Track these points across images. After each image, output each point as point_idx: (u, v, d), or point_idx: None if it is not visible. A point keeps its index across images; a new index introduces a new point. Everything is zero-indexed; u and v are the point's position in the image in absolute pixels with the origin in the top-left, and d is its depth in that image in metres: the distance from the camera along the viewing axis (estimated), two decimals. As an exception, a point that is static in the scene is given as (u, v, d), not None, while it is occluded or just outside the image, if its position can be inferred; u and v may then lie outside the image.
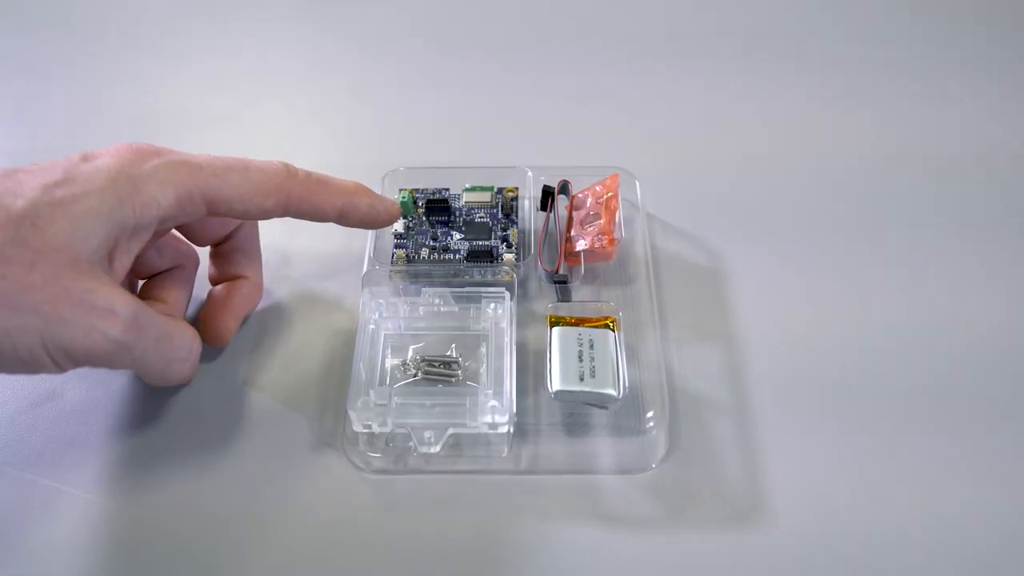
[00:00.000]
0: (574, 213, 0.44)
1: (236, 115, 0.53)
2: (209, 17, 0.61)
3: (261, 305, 0.42)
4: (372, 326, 0.38)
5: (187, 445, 0.36)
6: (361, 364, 0.36)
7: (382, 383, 0.37)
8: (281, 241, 0.45)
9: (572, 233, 0.43)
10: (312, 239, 0.45)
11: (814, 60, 0.57)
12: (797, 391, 0.38)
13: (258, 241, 0.40)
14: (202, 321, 0.38)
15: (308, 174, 0.35)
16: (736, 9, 0.61)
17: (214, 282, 0.40)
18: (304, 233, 0.45)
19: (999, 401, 0.38)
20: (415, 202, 0.44)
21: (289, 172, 0.34)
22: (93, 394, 0.38)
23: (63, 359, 0.29)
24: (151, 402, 0.38)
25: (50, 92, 0.55)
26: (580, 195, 0.44)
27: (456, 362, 0.37)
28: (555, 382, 0.35)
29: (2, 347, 0.27)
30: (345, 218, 0.36)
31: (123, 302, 0.29)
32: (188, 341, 0.34)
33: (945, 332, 0.40)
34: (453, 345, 0.38)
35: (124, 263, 0.31)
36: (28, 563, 0.33)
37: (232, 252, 0.39)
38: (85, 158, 0.31)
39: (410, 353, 0.38)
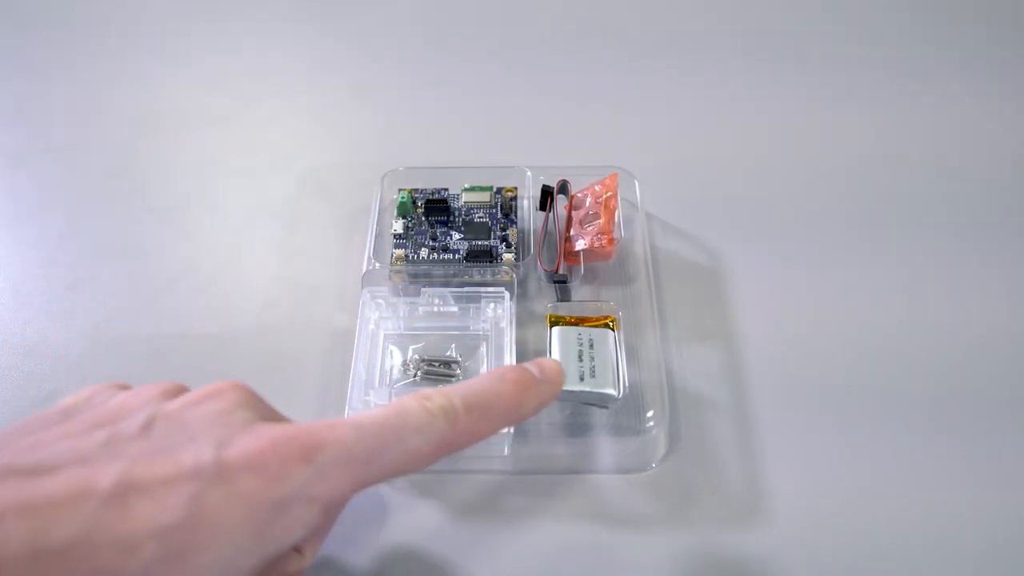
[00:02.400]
0: (573, 213, 0.44)
1: (236, 115, 0.53)
2: (209, 17, 0.61)
3: (263, 306, 0.42)
4: (372, 326, 0.38)
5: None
6: (361, 364, 0.36)
7: (382, 383, 0.37)
8: (281, 240, 0.45)
9: (571, 233, 0.43)
10: (312, 239, 0.45)
11: (814, 60, 0.57)
12: (797, 390, 0.38)
13: (336, 519, 0.30)
14: None
15: (469, 409, 0.28)
16: (736, 9, 0.61)
17: None
18: (303, 232, 0.45)
19: (999, 401, 0.38)
20: (414, 202, 0.45)
21: (448, 421, 0.27)
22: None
23: None
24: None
25: (50, 92, 0.55)
26: (579, 195, 0.44)
27: (456, 362, 0.37)
28: (555, 382, 0.35)
29: None
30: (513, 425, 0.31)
31: None
32: None
33: (945, 331, 0.40)
34: (453, 345, 0.38)
35: None
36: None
37: None
38: (221, 471, 0.23)
39: (409, 353, 0.38)
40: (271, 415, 0.27)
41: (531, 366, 0.30)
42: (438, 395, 0.28)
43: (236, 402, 0.26)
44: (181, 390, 0.28)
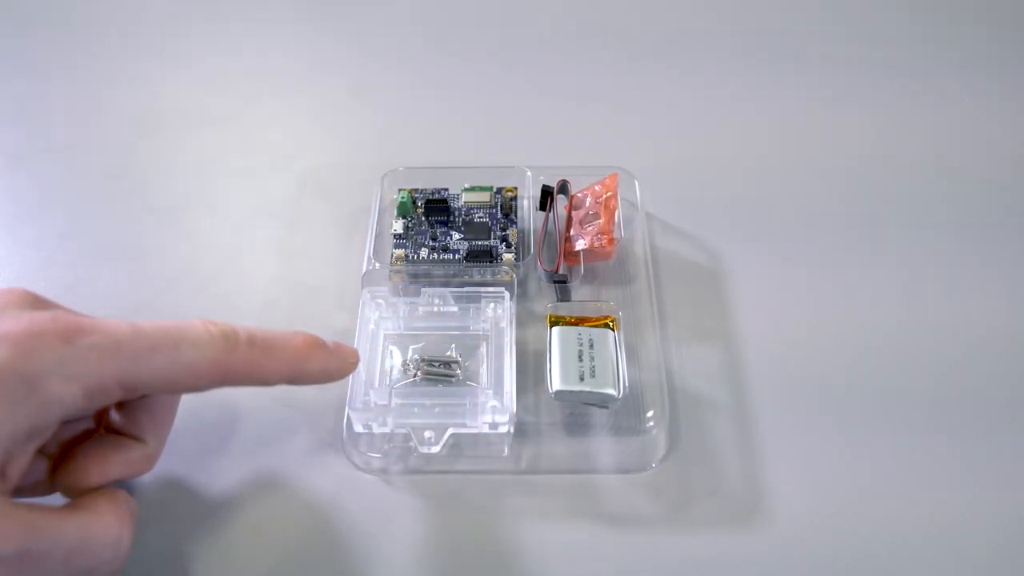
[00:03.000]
0: (573, 213, 0.44)
1: (236, 115, 0.53)
2: (209, 17, 0.61)
3: (263, 306, 0.42)
4: (372, 326, 0.38)
5: (185, 446, 0.36)
6: (361, 364, 0.36)
7: (382, 383, 0.37)
8: (281, 241, 0.45)
9: (571, 233, 0.43)
10: (312, 239, 0.45)
11: (814, 60, 0.57)
12: (797, 390, 0.38)
13: (175, 409, 0.33)
14: (63, 468, 0.29)
15: (251, 340, 0.29)
16: (736, 9, 0.61)
17: (100, 425, 0.32)
18: (303, 232, 0.45)
19: (1000, 401, 0.38)
20: (414, 202, 0.44)
21: (228, 343, 0.28)
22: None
23: None
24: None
25: (50, 92, 0.55)
26: (579, 195, 0.44)
27: (456, 362, 0.37)
28: (555, 382, 0.35)
29: None
30: (294, 384, 0.31)
31: (3, 534, 0.24)
32: (112, 536, 0.27)
33: (945, 331, 0.40)
34: (453, 345, 0.38)
35: (20, 464, 0.26)
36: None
37: (138, 410, 0.31)
38: None
39: (409, 353, 0.38)
40: (50, 308, 0.28)
41: (328, 340, 0.32)
42: (224, 323, 0.29)
43: (10, 300, 0.27)
44: None
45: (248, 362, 0.29)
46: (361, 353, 0.36)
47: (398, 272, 0.41)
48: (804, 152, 0.50)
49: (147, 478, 0.35)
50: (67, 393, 0.25)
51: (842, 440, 0.36)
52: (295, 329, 0.31)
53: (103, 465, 0.29)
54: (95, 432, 0.31)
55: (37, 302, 0.28)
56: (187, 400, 0.37)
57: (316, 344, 0.31)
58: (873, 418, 0.37)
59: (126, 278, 0.43)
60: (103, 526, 0.27)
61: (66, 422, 0.27)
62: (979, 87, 0.54)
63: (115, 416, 0.31)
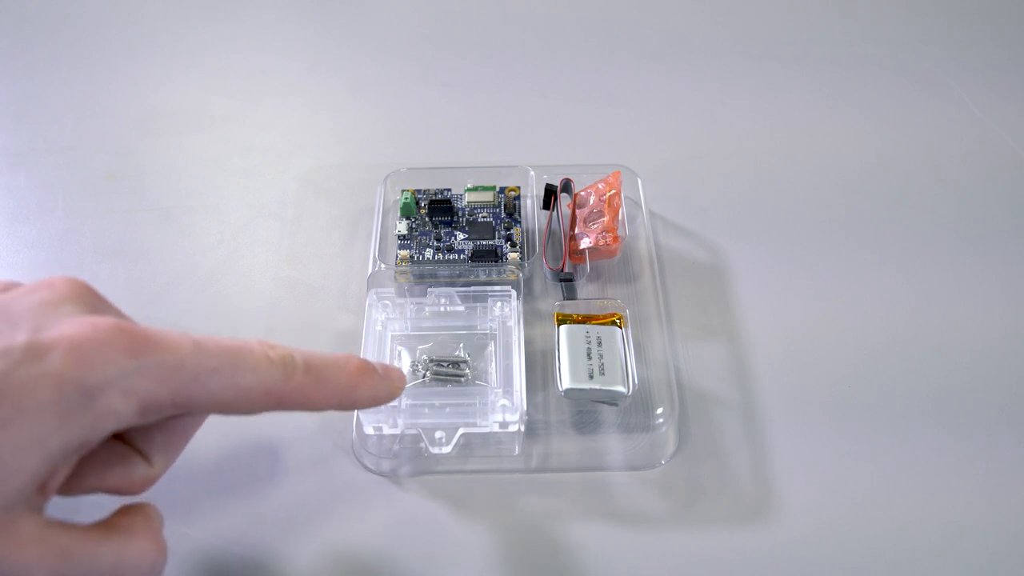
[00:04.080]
0: (577, 211, 0.44)
1: (236, 115, 0.53)
2: (209, 17, 0.61)
3: (265, 307, 0.41)
4: (379, 327, 0.38)
5: (192, 448, 0.36)
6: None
7: (391, 383, 0.36)
8: (283, 242, 0.45)
9: (576, 231, 0.43)
10: (315, 240, 0.45)
11: (816, 60, 0.57)
12: (804, 388, 0.38)
13: (191, 436, 0.31)
14: None
15: (308, 367, 0.28)
16: (739, 9, 0.62)
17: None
18: (306, 233, 0.45)
19: (1008, 400, 0.38)
20: (417, 203, 0.44)
21: (286, 371, 0.27)
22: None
23: None
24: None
25: (50, 92, 0.54)
26: (583, 193, 0.45)
27: (465, 362, 0.37)
28: (565, 380, 0.35)
29: None
30: (341, 410, 0.30)
31: (38, 561, 0.23)
32: (148, 562, 0.27)
33: (951, 330, 0.41)
34: (461, 345, 0.38)
35: (61, 477, 0.25)
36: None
37: (154, 428, 0.29)
38: (32, 350, 0.23)
39: (418, 353, 0.38)
40: (108, 311, 0.27)
41: (376, 363, 0.31)
42: (282, 346, 0.28)
43: (65, 294, 0.26)
44: (13, 286, 0.27)
45: (302, 391, 0.28)
46: (369, 355, 0.36)
47: (403, 273, 0.41)
48: (807, 150, 0.50)
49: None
50: (124, 408, 0.24)
51: (850, 437, 0.36)
52: (348, 353, 0.30)
53: (103, 472, 0.28)
54: None
55: (96, 300, 0.27)
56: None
57: (367, 371, 0.30)
58: (881, 416, 0.37)
59: (126, 278, 0.43)
60: (139, 552, 0.26)
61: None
62: (980, 88, 0.54)
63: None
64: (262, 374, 0.27)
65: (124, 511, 0.28)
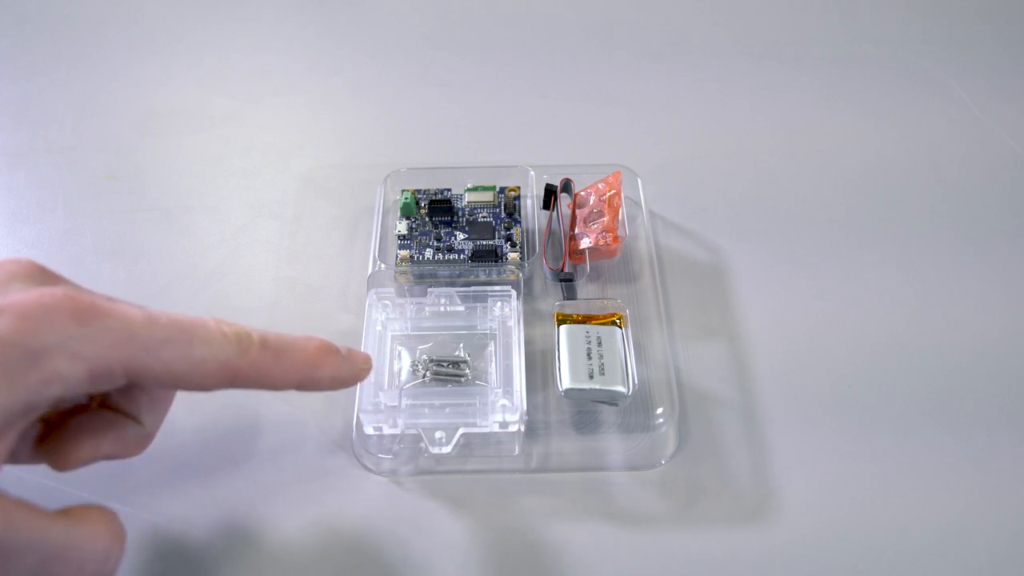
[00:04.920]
0: (577, 211, 0.44)
1: (236, 115, 0.53)
2: (209, 17, 0.61)
3: (265, 307, 0.41)
4: (379, 327, 0.38)
5: (193, 448, 0.36)
6: (370, 366, 0.36)
7: (391, 384, 0.36)
8: (282, 241, 0.45)
9: (576, 231, 0.43)
10: (314, 239, 0.45)
11: (816, 60, 0.57)
12: (804, 388, 0.38)
13: (174, 394, 0.32)
14: (53, 440, 0.28)
15: (264, 344, 0.28)
16: (739, 9, 0.62)
17: (93, 402, 0.30)
18: (306, 233, 0.45)
19: (1008, 399, 0.38)
20: (417, 203, 0.44)
21: (240, 347, 0.27)
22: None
23: None
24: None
25: (50, 92, 0.54)
26: (583, 193, 0.45)
27: (465, 362, 0.37)
28: (565, 380, 0.35)
29: None
30: (303, 390, 0.30)
31: None
32: (100, 549, 0.26)
33: (951, 330, 0.41)
34: (461, 345, 0.38)
35: (9, 441, 0.25)
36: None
37: (137, 390, 0.30)
38: None
39: (418, 354, 0.38)
40: (60, 284, 0.27)
41: (341, 347, 0.30)
42: (237, 324, 0.28)
43: (16, 272, 0.26)
44: None
45: (259, 366, 0.28)
46: (369, 354, 0.36)
47: (403, 273, 0.41)
48: (807, 150, 0.50)
49: (153, 478, 0.35)
50: (71, 372, 0.24)
51: (850, 437, 0.36)
52: (308, 335, 0.30)
53: (96, 440, 0.28)
54: (87, 408, 0.30)
55: (45, 275, 0.27)
56: (195, 400, 0.37)
57: (329, 350, 0.30)
58: (881, 415, 0.37)
59: (126, 278, 0.43)
60: (91, 537, 0.26)
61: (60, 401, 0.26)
62: (980, 88, 0.54)
63: (113, 393, 0.30)
64: (216, 347, 0.27)
65: (82, 506, 0.27)
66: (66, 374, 0.24)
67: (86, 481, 0.35)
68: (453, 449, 0.34)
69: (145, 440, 0.30)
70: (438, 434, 0.34)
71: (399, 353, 0.38)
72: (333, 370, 0.30)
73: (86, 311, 0.25)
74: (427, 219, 0.44)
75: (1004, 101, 0.53)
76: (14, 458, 0.28)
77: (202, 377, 0.27)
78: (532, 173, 0.45)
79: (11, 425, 0.24)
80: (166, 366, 0.26)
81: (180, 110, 0.53)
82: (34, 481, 0.35)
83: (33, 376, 0.24)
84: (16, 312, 0.24)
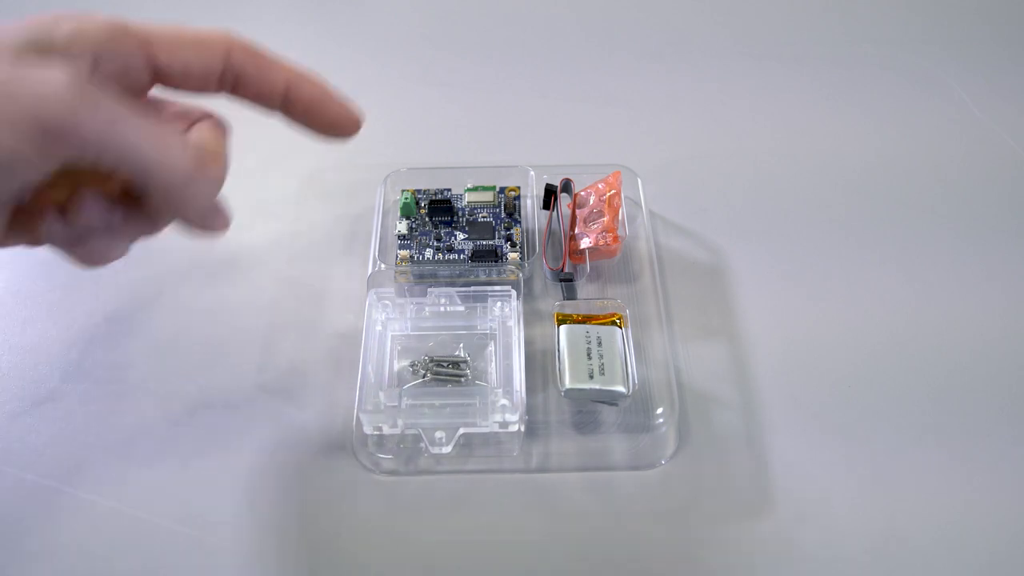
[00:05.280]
0: (577, 211, 0.44)
1: (236, 115, 0.53)
2: (209, 17, 0.61)
3: (267, 308, 0.41)
4: (379, 327, 0.38)
5: (193, 448, 0.36)
6: (369, 366, 0.36)
7: (391, 384, 0.36)
8: (282, 241, 0.44)
9: (576, 231, 0.43)
10: (314, 239, 0.45)
11: (816, 60, 0.57)
12: (804, 388, 0.38)
13: None
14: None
15: (252, 43, 0.29)
16: (739, 9, 0.62)
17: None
18: (306, 233, 0.45)
19: (1006, 400, 0.38)
20: (418, 203, 0.44)
21: (231, 32, 0.29)
22: (93, 395, 0.38)
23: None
24: (154, 403, 0.37)
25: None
26: (583, 193, 0.44)
27: (465, 362, 0.37)
28: (565, 380, 0.35)
29: None
30: (294, 94, 0.30)
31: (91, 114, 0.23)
32: (180, 149, 0.26)
33: (951, 330, 0.41)
34: (461, 345, 0.38)
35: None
36: (29, 563, 0.32)
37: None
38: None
39: (418, 354, 0.38)
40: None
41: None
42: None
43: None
44: None
45: (250, 52, 0.29)
46: (369, 355, 0.36)
47: (404, 273, 0.41)
48: (807, 150, 0.50)
49: (150, 478, 0.35)
50: (90, 23, 0.25)
51: (850, 437, 0.36)
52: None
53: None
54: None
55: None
56: (193, 401, 0.37)
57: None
58: (880, 415, 0.37)
59: (126, 278, 0.43)
60: (169, 134, 0.25)
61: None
62: (980, 89, 0.54)
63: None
64: (209, 28, 0.29)
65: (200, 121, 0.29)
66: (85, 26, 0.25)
67: (86, 481, 0.35)
68: (453, 449, 0.34)
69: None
70: (438, 434, 0.34)
71: (399, 353, 0.38)
72: (321, 89, 0.31)
73: None
74: (427, 219, 0.44)
75: (1004, 101, 0.53)
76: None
77: (202, 47, 0.28)
78: (532, 173, 0.45)
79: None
80: (170, 34, 0.27)
81: (180, 110, 0.53)
82: (34, 481, 0.35)
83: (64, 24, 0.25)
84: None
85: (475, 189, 0.45)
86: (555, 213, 0.44)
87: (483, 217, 0.44)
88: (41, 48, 0.24)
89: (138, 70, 0.27)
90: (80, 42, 0.25)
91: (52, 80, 0.23)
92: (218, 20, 0.60)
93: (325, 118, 0.31)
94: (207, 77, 0.29)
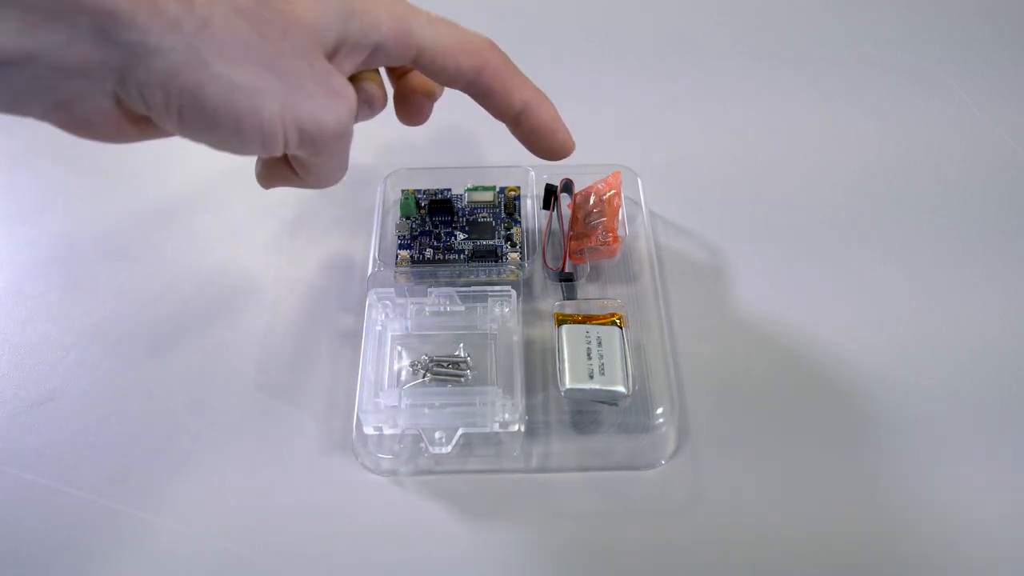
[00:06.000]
0: (577, 211, 0.44)
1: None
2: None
3: (267, 308, 0.41)
4: (379, 327, 0.38)
5: (192, 447, 0.36)
6: (369, 366, 0.36)
7: (391, 385, 0.36)
8: (282, 241, 0.44)
9: (576, 231, 0.43)
10: (314, 239, 0.45)
11: (816, 60, 0.57)
12: (804, 387, 0.38)
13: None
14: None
15: (508, 58, 0.34)
16: (739, 9, 0.61)
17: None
18: (306, 233, 0.45)
19: (1006, 400, 0.38)
20: (417, 203, 0.44)
21: (493, 44, 0.33)
22: (93, 394, 0.38)
23: (293, 134, 0.28)
24: (154, 403, 0.37)
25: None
26: (583, 193, 0.45)
27: (465, 362, 0.37)
28: (565, 380, 0.35)
29: (249, 109, 0.26)
30: (525, 118, 0.34)
31: (352, 90, 0.29)
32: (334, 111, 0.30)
33: (951, 330, 0.41)
34: (461, 345, 0.38)
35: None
36: (28, 563, 0.32)
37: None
38: None
39: (418, 354, 0.38)
40: None
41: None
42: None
43: None
44: None
45: (505, 67, 0.33)
46: (368, 355, 0.36)
47: (404, 273, 0.41)
48: (807, 150, 0.50)
49: (149, 478, 0.35)
50: (385, 23, 0.30)
51: (850, 437, 0.36)
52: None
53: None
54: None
55: None
56: (193, 401, 0.37)
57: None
58: (881, 415, 0.37)
59: (126, 278, 0.43)
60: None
61: (365, 62, 0.31)
62: (980, 89, 0.54)
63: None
64: (477, 35, 0.34)
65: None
66: (382, 23, 0.30)
67: (87, 481, 0.35)
68: (453, 449, 0.34)
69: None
70: (438, 434, 0.34)
71: (399, 353, 0.38)
72: (555, 113, 0.34)
73: None
74: (427, 219, 0.44)
75: (1004, 101, 0.53)
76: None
77: (465, 55, 0.32)
78: (532, 173, 0.45)
79: (348, 52, 0.29)
80: (442, 39, 0.32)
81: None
82: (34, 481, 0.35)
83: (364, 17, 0.29)
84: None
85: (475, 189, 0.45)
86: (555, 213, 0.44)
87: (483, 217, 0.44)
88: (340, 43, 0.29)
89: (401, 63, 0.31)
90: (367, 41, 0.29)
91: (339, 110, 0.28)
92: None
93: (546, 144, 0.35)
94: (455, 82, 0.33)
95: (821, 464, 0.35)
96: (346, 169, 0.33)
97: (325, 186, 0.33)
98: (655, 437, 0.36)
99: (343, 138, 0.30)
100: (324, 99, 0.28)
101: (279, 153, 0.28)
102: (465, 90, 0.33)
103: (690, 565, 0.33)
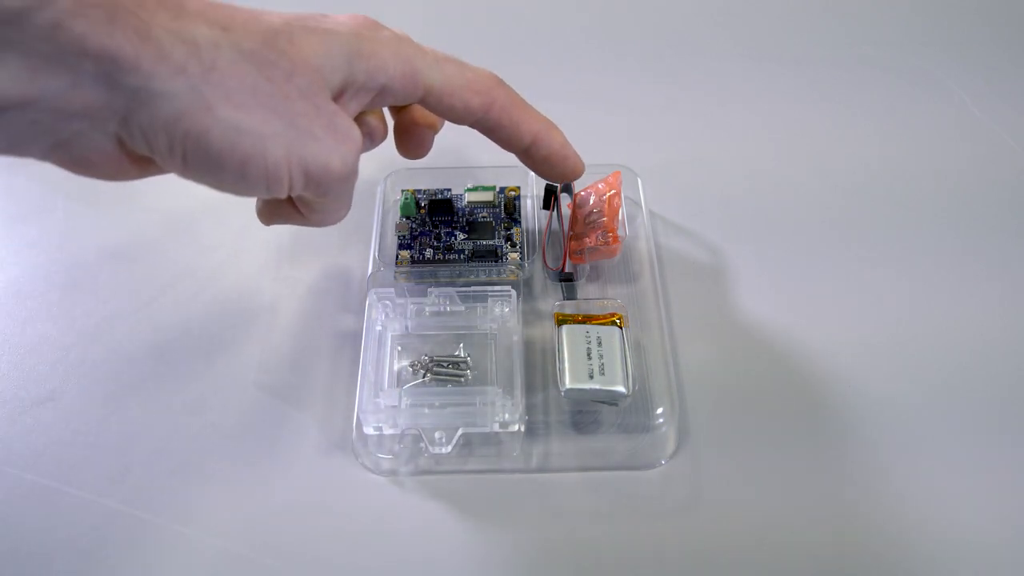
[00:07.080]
0: (577, 211, 0.44)
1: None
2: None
3: (267, 308, 0.41)
4: (379, 327, 0.38)
5: (192, 447, 0.36)
6: (369, 366, 0.36)
7: (391, 384, 0.36)
8: (282, 241, 0.44)
9: (576, 231, 0.43)
10: (314, 239, 0.45)
11: (816, 61, 0.57)
12: (804, 388, 0.38)
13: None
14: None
15: (514, 92, 0.34)
16: (739, 10, 0.62)
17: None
18: (306, 233, 0.45)
19: (1007, 400, 0.38)
20: (418, 203, 0.44)
21: (499, 80, 0.34)
22: (93, 394, 0.38)
23: (298, 177, 0.28)
24: (154, 403, 0.37)
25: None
26: (583, 193, 0.45)
27: (464, 362, 0.37)
28: (565, 380, 0.35)
29: (254, 153, 0.26)
30: (536, 148, 0.35)
31: (358, 131, 0.30)
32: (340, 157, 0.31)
33: (951, 330, 0.41)
34: (461, 345, 0.38)
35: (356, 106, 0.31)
36: (28, 563, 0.32)
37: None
38: (324, 15, 0.30)
39: (418, 354, 0.38)
40: None
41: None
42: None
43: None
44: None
45: (512, 102, 0.34)
46: (368, 355, 0.36)
47: (403, 273, 0.41)
48: (807, 150, 0.50)
49: (149, 478, 0.35)
50: (392, 66, 0.31)
51: (850, 437, 0.36)
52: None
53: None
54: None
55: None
56: (193, 401, 0.37)
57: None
58: (880, 415, 0.37)
59: (126, 278, 0.43)
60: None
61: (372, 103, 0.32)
62: (980, 90, 0.54)
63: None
64: (482, 74, 0.34)
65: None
66: (388, 66, 0.30)
67: (87, 481, 0.35)
68: (453, 449, 0.34)
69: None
70: (438, 434, 0.34)
71: (399, 353, 0.38)
72: (563, 141, 0.35)
73: (392, 29, 0.32)
74: (427, 219, 0.44)
75: (1004, 102, 0.53)
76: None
77: (472, 94, 0.32)
78: (532, 173, 0.45)
79: (354, 94, 0.30)
80: (449, 80, 0.32)
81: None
82: (34, 481, 0.35)
83: (370, 60, 0.29)
84: (351, 17, 0.31)
85: (475, 189, 0.45)
86: (555, 213, 0.44)
87: (483, 217, 0.44)
88: (346, 85, 0.29)
89: (407, 103, 0.32)
90: (374, 83, 0.30)
91: (345, 152, 0.29)
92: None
93: (557, 170, 0.36)
94: (463, 120, 0.33)
95: (821, 464, 0.35)
96: (349, 207, 0.33)
97: (328, 225, 0.34)
98: (655, 437, 0.36)
99: (348, 179, 0.30)
100: (330, 142, 0.28)
101: (284, 196, 0.28)
102: (473, 126, 0.33)
103: (690, 565, 0.33)
